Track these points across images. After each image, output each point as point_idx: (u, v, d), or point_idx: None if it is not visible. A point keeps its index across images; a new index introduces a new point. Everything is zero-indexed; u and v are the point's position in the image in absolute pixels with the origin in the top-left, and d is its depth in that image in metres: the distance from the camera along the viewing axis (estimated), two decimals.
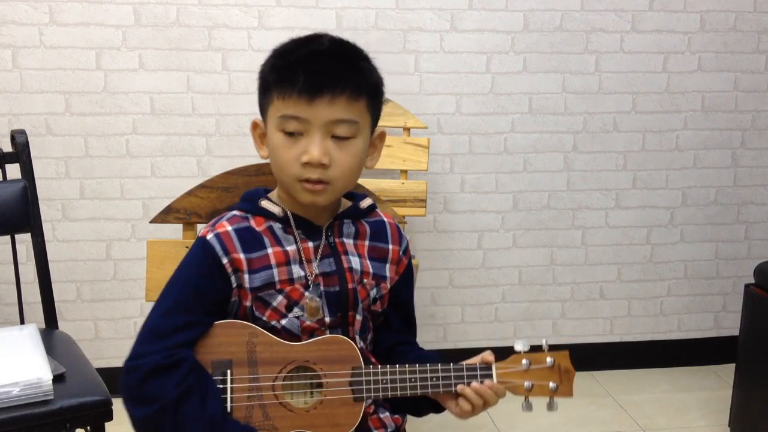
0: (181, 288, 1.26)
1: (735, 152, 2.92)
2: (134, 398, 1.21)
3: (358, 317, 1.33)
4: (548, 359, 1.31)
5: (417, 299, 1.49)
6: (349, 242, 1.35)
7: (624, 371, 3.00)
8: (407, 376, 1.28)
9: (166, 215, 1.53)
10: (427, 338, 2.85)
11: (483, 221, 2.83)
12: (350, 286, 1.32)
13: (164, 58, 2.56)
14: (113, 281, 2.68)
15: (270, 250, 1.29)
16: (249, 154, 2.41)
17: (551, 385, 1.30)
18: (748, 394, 2.39)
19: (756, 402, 2.36)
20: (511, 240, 2.87)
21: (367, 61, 1.29)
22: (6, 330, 1.89)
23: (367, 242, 1.36)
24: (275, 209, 1.31)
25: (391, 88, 1.61)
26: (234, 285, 1.28)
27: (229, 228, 1.29)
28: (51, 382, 1.63)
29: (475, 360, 1.31)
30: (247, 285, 1.27)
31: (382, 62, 1.34)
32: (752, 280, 2.38)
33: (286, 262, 1.29)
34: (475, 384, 1.28)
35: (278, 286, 1.28)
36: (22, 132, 2.00)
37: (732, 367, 2.48)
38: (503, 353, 1.34)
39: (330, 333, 1.30)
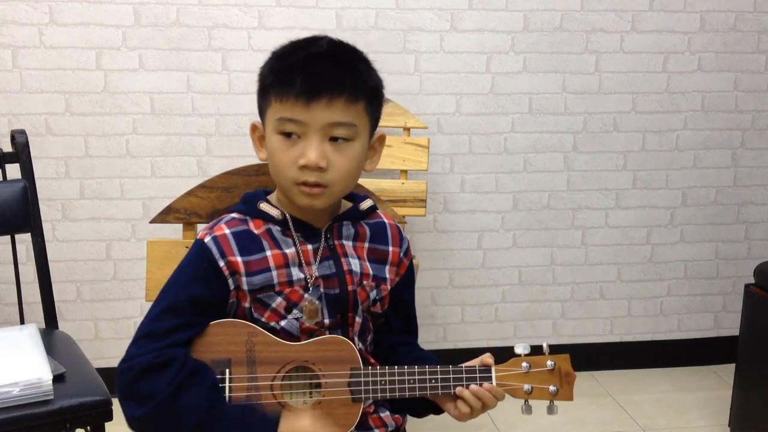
0: (177, 291, 1.26)
1: (735, 152, 2.92)
2: (128, 398, 1.21)
3: (358, 319, 1.33)
4: (549, 362, 1.30)
5: (417, 299, 1.48)
6: (348, 244, 1.34)
7: (624, 371, 2.99)
8: (406, 377, 1.27)
9: (166, 215, 1.53)
10: (427, 338, 2.85)
11: (483, 221, 2.83)
12: (350, 288, 1.31)
13: (164, 58, 2.55)
14: (113, 281, 2.68)
15: (269, 253, 1.28)
16: (249, 154, 2.40)
17: (551, 388, 1.30)
18: (748, 394, 2.39)
19: (756, 402, 2.36)
20: (511, 240, 2.87)
21: (366, 64, 1.28)
22: (6, 330, 1.89)
23: (366, 244, 1.36)
24: (274, 212, 1.31)
25: (391, 88, 1.61)
26: (232, 287, 1.27)
27: (227, 231, 1.29)
28: (51, 382, 1.63)
29: (474, 362, 1.30)
30: (245, 287, 1.27)
31: (382, 62, 1.34)
32: (752, 280, 2.38)
33: (284, 264, 1.28)
34: (473, 386, 1.27)
35: (277, 288, 1.28)
36: (22, 132, 2.00)
37: (732, 367, 2.48)
38: (503, 353, 1.34)
39: (329, 334, 1.30)
